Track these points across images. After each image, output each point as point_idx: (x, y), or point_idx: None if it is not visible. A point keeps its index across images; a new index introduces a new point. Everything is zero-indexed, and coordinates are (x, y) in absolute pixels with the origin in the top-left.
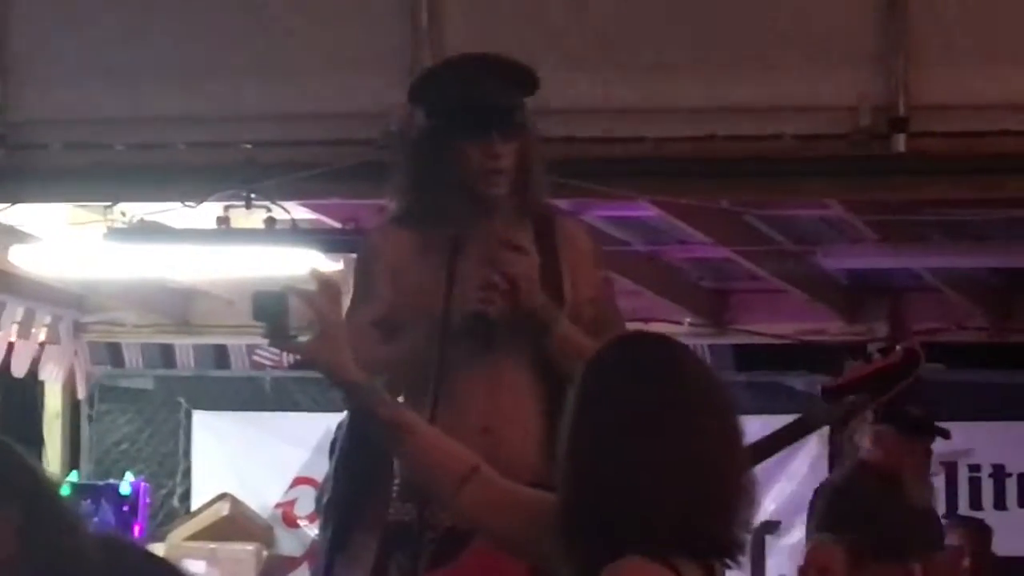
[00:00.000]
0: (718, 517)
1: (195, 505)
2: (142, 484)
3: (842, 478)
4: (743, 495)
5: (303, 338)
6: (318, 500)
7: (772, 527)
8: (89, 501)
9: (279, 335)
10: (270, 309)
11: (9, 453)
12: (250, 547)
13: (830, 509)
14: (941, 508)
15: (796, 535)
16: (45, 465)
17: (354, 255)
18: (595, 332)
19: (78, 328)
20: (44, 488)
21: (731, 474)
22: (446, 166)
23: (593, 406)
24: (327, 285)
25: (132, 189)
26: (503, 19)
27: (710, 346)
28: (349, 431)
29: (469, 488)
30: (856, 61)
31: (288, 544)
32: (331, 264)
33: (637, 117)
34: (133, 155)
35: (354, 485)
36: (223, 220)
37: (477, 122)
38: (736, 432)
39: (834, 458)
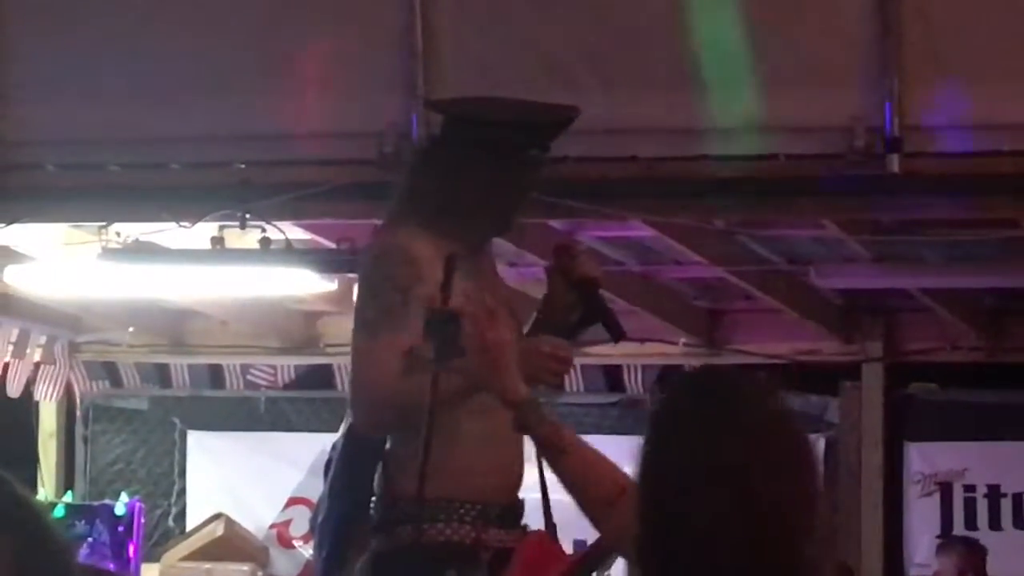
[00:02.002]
0: (783, 561)
1: (190, 525)
2: (137, 504)
3: None
4: (811, 537)
5: (467, 357)
6: (313, 520)
7: None
8: (84, 521)
9: (446, 354)
10: (440, 328)
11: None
12: (245, 567)
13: None
14: (936, 529)
15: None
16: (40, 485)
17: (382, 260)
18: None
19: (73, 348)
20: (37, 518)
21: (797, 517)
22: (514, 187)
23: (664, 447)
24: (492, 307)
25: (127, 209)
26: (497, 41)
27: (704, 366)
28: (343, 451)
29: (620, 509)
30: (850, 82)
31: (283, 564)
32: (325, 284)
33: (630, 137)
34: (128, 175)
35: (348, 506)
36: (217, 240)
37: (538, 154)
38: (800, 473)
39: (828, 477)
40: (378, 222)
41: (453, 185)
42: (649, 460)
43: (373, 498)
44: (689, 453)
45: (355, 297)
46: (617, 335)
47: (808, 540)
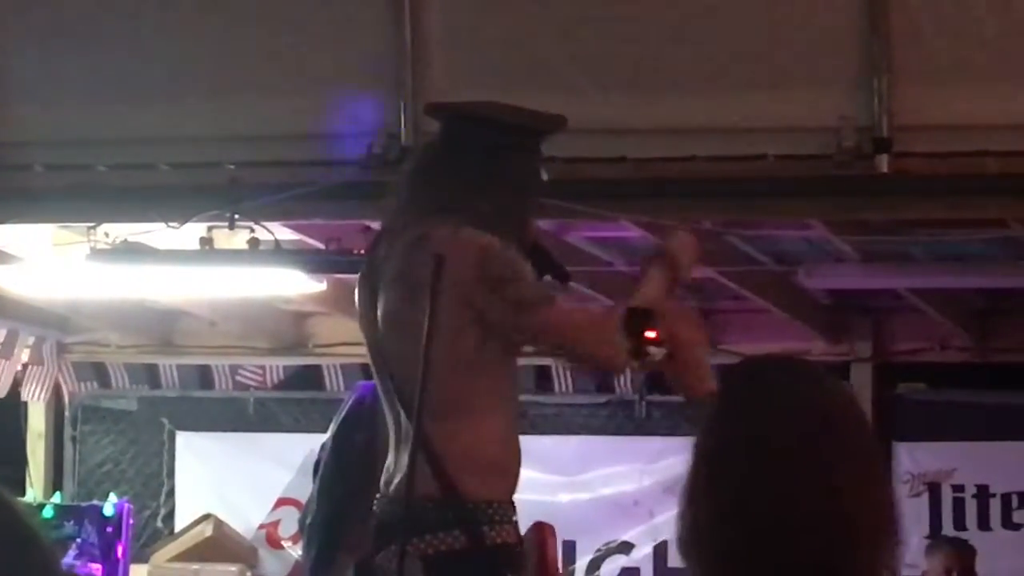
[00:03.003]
0: (848, 559)
1: (178, 526)
2: (126, 505)
3: None
4: (880, 538)
5: (660, 355)
6: (302, 521)
7: None
8: (72, 522)
9: (641, 350)
10: (637, 325)
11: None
12: (233, 568)
13: None
14: (925, 529)
15: None
16: (29, 486)
17: (489, 257)
18: None
19: (61, 349)
20: (21, 521)
21: (862, 515)
22: (532, 189)
23: (715, 431)
24: (686, 308)
25: (115, 210)
26: (486, 41)
27: None
28: (332, 452)
29: None
30: (839, 82)
31: (272, 565)
32: (314, 284)
33: (619, 138)
34: (116, 176)
35: (336, 507)
36: (206, 241)
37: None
38: (864, 466)
39: None
40: (367, 223)
41: (479, 186)
42: (699, 444)
43: (389, 496)
44: (740, 436)
45: (451, 299)
46: (565, 278)
47: (856, 530)
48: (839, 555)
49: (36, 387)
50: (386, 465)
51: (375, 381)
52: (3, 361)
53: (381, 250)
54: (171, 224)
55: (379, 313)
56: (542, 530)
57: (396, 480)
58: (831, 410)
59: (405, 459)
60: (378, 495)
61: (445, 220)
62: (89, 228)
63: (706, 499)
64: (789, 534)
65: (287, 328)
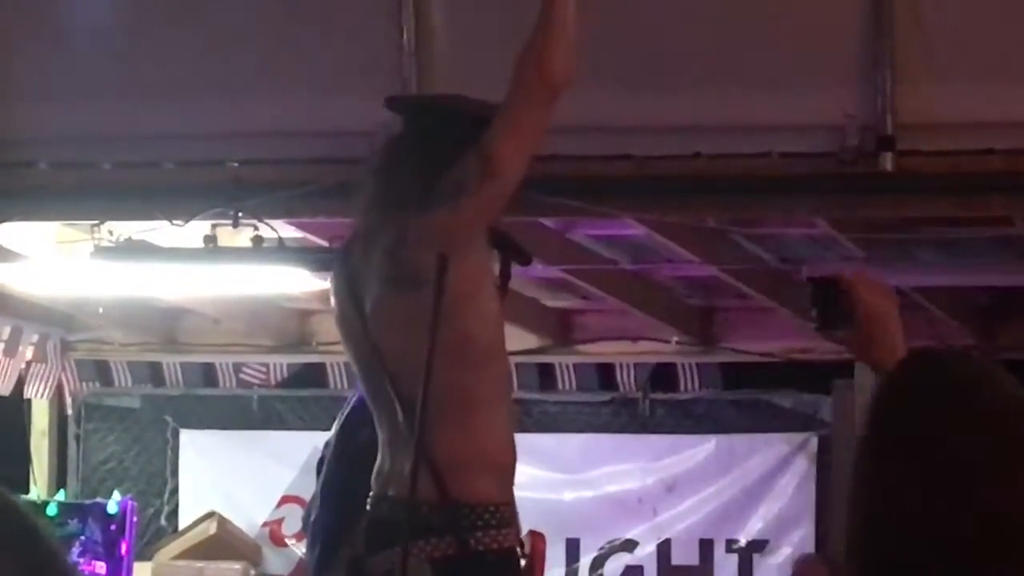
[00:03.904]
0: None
1: (182, 524)
2: (129, 503)
3: None
4: None
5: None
6: (305, 519)
7: (759, 546)
8: (76, 520)
9: (827, 323)
10: (824, 295)
11: (5, 504)
12: (237, 566)
13: None
14: None
15: (784, 554)
16: (32, 484)
17: None
18: None
19: (65, 346)
20: (41, 540)
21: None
22: None
23: (886, 441)
24: (871, 278)
25: (119, 208)
26: (488, 39)
27: (697, 364)
28: (336, 450)
29: None
30: (843, 79)
31: (275, 563)
32: (318, 282)
33: (622, 135)
34: (120, 174)
35: (340, 505)
36: (210, 239)
37: None
38: None
39: (822, 476)
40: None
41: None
42: (867, 455)
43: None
44: (915, 448)
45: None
46: (527, 259)
47: None
48: (987, 569)
49: (40, 385)
50: (378, 463)
51: (360, 381)
52: (7, 359)
53: (357, 250)
54: (175, 222)
55: (369, 312)
56: (538, 539)
57: (396, 481)
58: (996, 411)
59: (402, 459)
60: (370, 494)
61: (420, 214)
62: (93, 226)
63: (859, 502)
64: (937, 544)
65: (291, 326)
